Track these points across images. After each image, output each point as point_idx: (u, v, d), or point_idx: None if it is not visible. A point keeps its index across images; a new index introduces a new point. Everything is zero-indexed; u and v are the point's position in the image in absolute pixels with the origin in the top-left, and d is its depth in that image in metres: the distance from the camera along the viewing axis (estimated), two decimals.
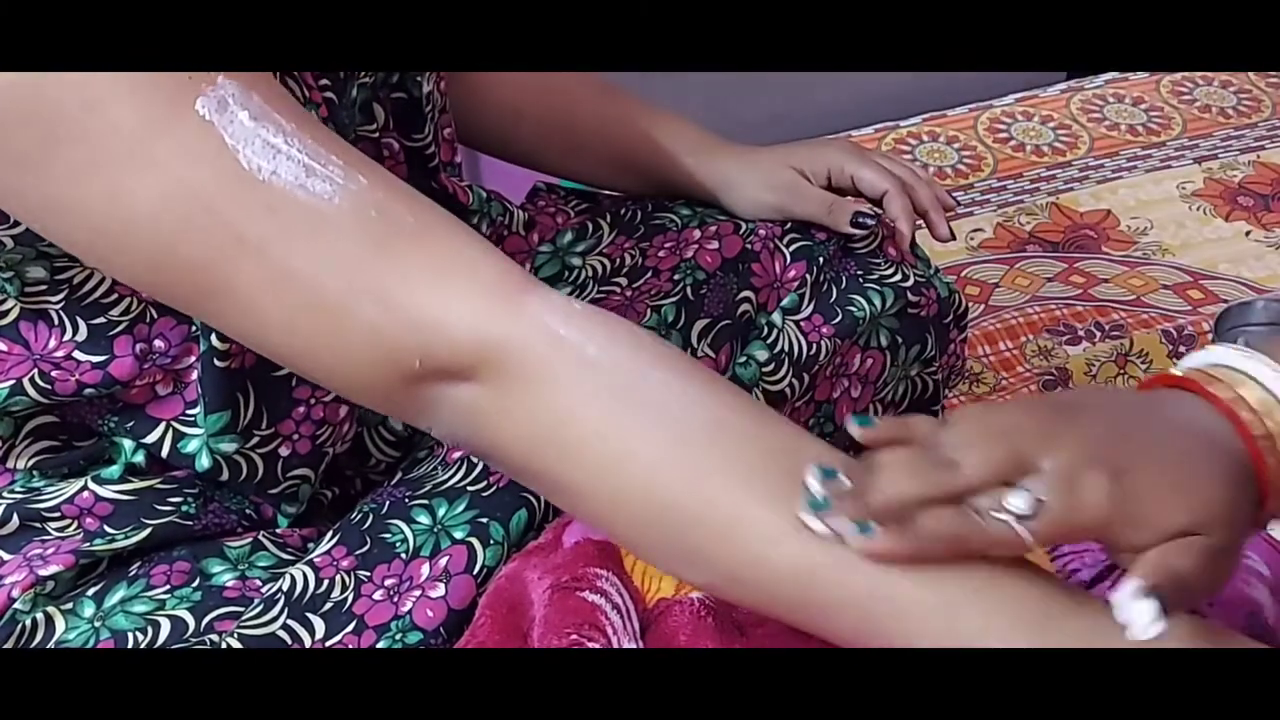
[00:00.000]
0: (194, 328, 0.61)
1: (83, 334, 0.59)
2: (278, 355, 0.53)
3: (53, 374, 0.59)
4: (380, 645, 0.58)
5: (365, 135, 0.66)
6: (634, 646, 0.52)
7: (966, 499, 0.45)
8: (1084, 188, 1.57)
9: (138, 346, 0.60)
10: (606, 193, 0.91)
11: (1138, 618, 0.42)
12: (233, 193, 0.47)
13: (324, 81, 0.60)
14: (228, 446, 0.62)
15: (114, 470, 0.64)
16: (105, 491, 0.63)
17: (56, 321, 0.59)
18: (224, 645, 0.59)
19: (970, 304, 1.25)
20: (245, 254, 0.48)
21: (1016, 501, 0.44)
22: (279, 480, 0.65)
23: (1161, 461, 0.45)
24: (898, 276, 0.84)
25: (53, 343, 0.59)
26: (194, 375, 0.62)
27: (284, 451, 0.64)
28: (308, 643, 0.59)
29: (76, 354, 0.59)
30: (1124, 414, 0.47)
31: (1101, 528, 0.45)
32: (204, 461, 0.62)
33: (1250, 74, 1.79)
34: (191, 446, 0.63)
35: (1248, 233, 1.49)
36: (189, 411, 0.62)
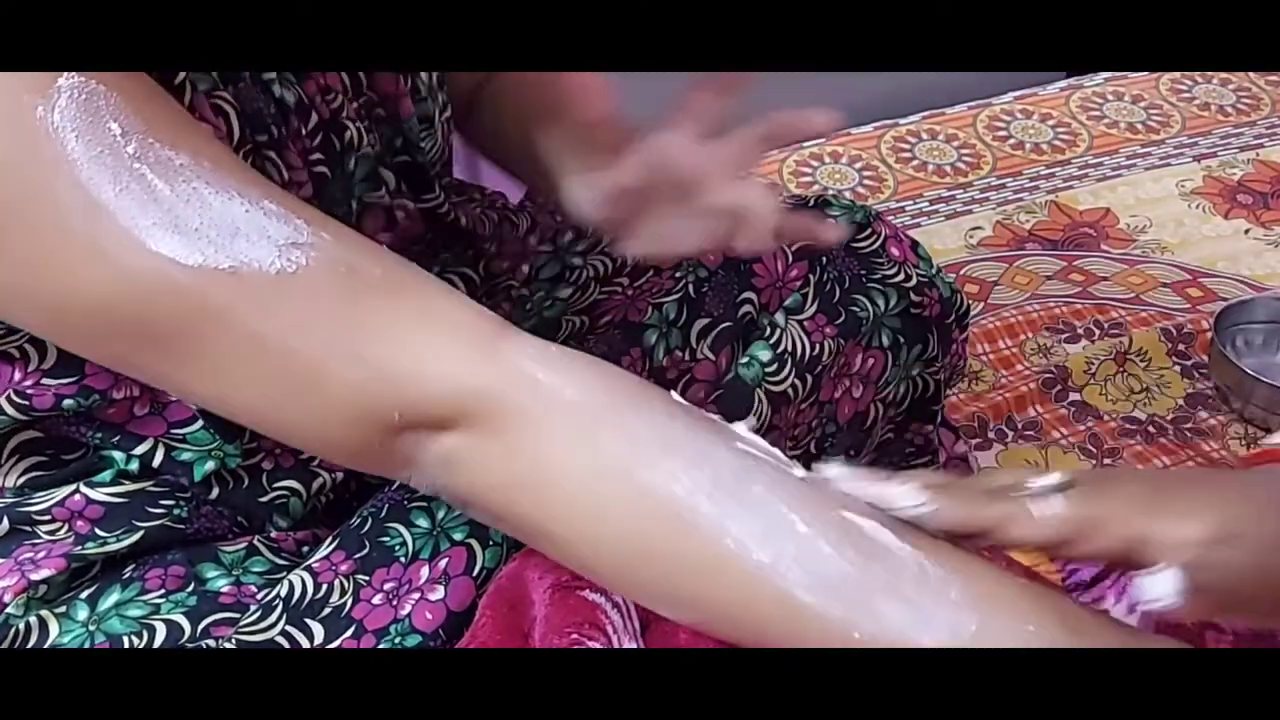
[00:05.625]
0: None
1: (50, 359, 0.57)
2: (247, 418, 0.52)
3: (28, 392, 0.58)
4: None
5: (375, 202, 0.65)
6: (635, 646, 0.52)
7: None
8: (1083, 186, 1.57)
9: None
10: None
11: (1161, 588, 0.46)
12: (191, 267, 0.46)
13: (315, 156, 0.60)
14: (231, 461, 0.62)
15: (106, 474, 0.63)
16: (96, 494, 0.62)
17: (19, 356, 0.57)
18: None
19: (969, 302, 1.25)
20: (210, 322, 0.47)
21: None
22: (266, 489, 0.65)
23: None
24: (900, 276, 0.83)
25: (18, 375, 0.57)
26: (174, 396, 0.60)
27: (267, 465, 0.64)
28: (306, 648, 0.59)
29: (45, 380, 0.57)
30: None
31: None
32: (205, 468, 0.62)
33: (1249, 72, 1.79)
34: (186, 457, 0.62)
35: (1247, 230, 1.49)
36: (175, 430, 0.61)
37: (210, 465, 0.62)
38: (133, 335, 0.48)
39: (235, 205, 0.47)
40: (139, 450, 0.62)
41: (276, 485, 0.65)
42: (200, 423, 0.61)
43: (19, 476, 0.63)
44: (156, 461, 0.62)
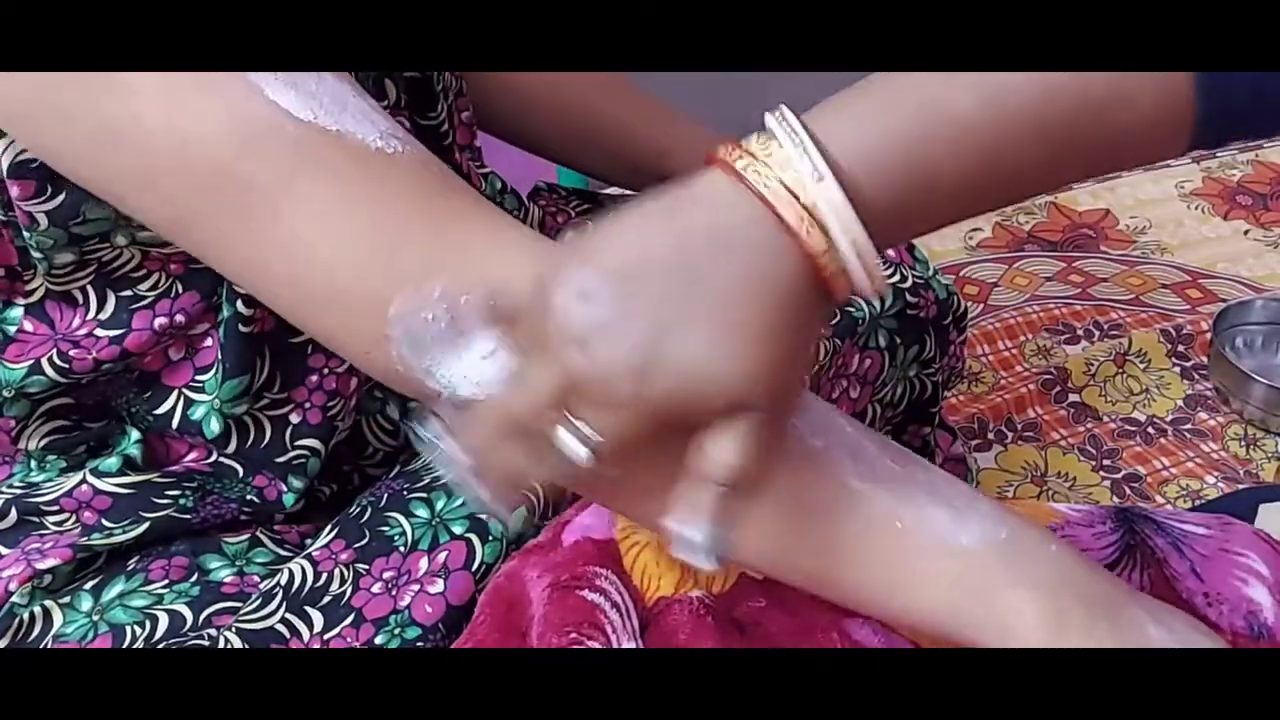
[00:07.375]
0: (215, 298, 0.61)
1: (108, 310, 0.59)
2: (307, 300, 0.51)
3: (71, 353, 0.59)
4: (378, 639, 0.59)
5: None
6: (634, 645, 0.53)
7: (545, 419, 0.43)
8: (1083, 186, 1.57)
9: (157, 322, 0.60)
10: (607, 192, 0.91)
11: (699, 557, 0.44)
12: (302, 120, 0.47)
13: None
14: (238, 409, 0.63)
15: (113, 463, 0.64)
16: (104, 485, 0.63)
17: (81, 300, 0.59)
18: (222, 640, 0.59)
19: (969, 303, 1.25)
20: (306, 176, 0.47)
21: (570, 442, 0.43)
22: (287, 448, 0.65)
23: (685, 342, 0.42)
24: (896, 277, 0.84)
25: (76, 321, 0.59)
26: (207, 341, 0.62)
27: (294, 419, 0.65)
28: (306, 636, 0.59)
29: (98, 331, 0.59)
30: (654, 286, 0.43)
31: (658, 441, 0.44)
32: (214, 427, 0.62)
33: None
34: (199, 414, 0.63)
35: (1246, 231, 1.50)
36: (198, 377, 0.63)
37: (217, 423, 0.63)
38: (221, 186, 0.48)
39: (346, 88, 0.49)
40: (161, 409, 0.63)
41: (298, 443, 0.65)
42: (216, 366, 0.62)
43: (41, 439, 0.64)
44: (175, 422, 0.63)
